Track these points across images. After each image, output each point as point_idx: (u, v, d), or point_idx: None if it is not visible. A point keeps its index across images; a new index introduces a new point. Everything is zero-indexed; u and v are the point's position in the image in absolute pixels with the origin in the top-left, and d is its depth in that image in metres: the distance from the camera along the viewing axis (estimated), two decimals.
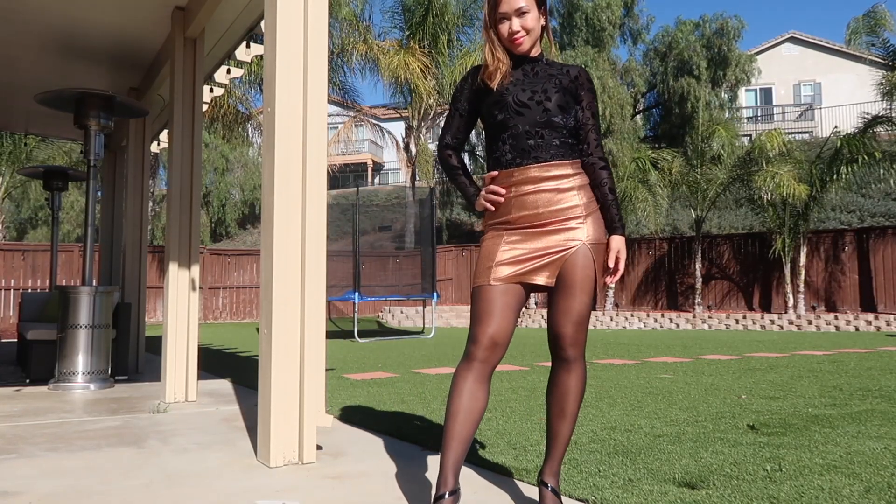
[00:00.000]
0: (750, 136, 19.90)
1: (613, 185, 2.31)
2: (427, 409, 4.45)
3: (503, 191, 2.26)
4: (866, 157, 14.90)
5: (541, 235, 2.22)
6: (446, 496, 2.08)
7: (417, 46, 18.28)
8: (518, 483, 2.70)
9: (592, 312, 16.58)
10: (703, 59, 24.87)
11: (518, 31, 2.26)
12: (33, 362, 5.80)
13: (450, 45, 19.52)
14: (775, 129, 17.00)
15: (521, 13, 2.25)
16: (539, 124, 2.25)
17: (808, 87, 32.01)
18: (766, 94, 32.57)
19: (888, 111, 15.89)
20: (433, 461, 3.02)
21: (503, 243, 2.25)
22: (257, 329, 11.76)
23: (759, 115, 31.89)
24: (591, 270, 2.21)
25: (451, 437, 2.12)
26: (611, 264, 2.24)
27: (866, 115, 16.26)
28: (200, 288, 16.92)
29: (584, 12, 24.66)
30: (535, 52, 2.34)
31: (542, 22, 2.32)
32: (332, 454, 3.17)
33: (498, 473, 2.85)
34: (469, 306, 2.38)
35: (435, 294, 13.34)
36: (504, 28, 2.28)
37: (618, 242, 2.25)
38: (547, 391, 2.34)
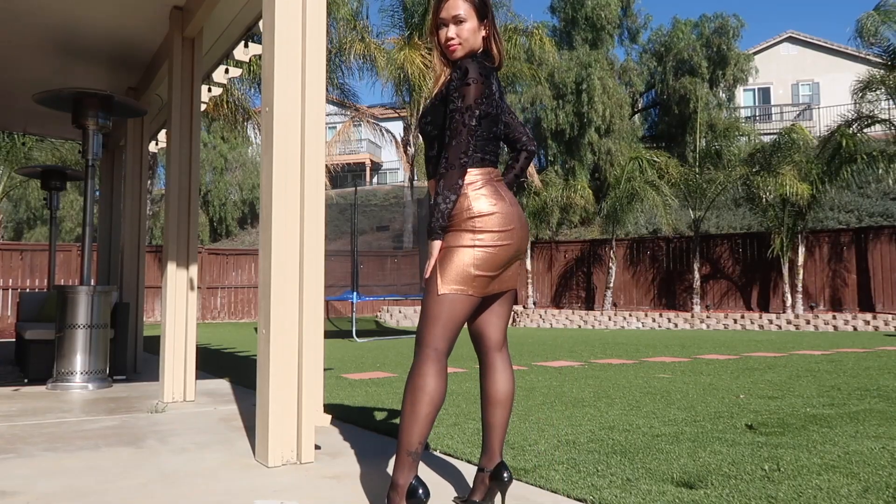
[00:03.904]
0: (748, 135, 19.87)
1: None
2: None
3: None
4: (864, 157, 14.94)
5: None
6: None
7: (421, 42, 18.32)
8: (516, 482, 2.70)
9: (590, 311, 16.48)
10: (703, 58, 24.88)
11: (452, 39, 2.28)
12: (31, 362, 5.79)
13: None
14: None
15: (458, 21, 2.27)
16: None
17: (807, 87, 32.00)
18: (765, 93, 32.57)
19: (859, 109, 15.92)
20: (431, 460, 3.03)
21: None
22: (255, 329, 11.75)
23: (757, 114, 31.90)
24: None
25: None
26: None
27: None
28: (199, 287, 16.86)
29: (586, 11, 24.68)
30: None
31: (484, 33, 2.31)
32: (331, 454, 3.17)
33: None
34: None
35: None
36: (442, 34, 2.31)
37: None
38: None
